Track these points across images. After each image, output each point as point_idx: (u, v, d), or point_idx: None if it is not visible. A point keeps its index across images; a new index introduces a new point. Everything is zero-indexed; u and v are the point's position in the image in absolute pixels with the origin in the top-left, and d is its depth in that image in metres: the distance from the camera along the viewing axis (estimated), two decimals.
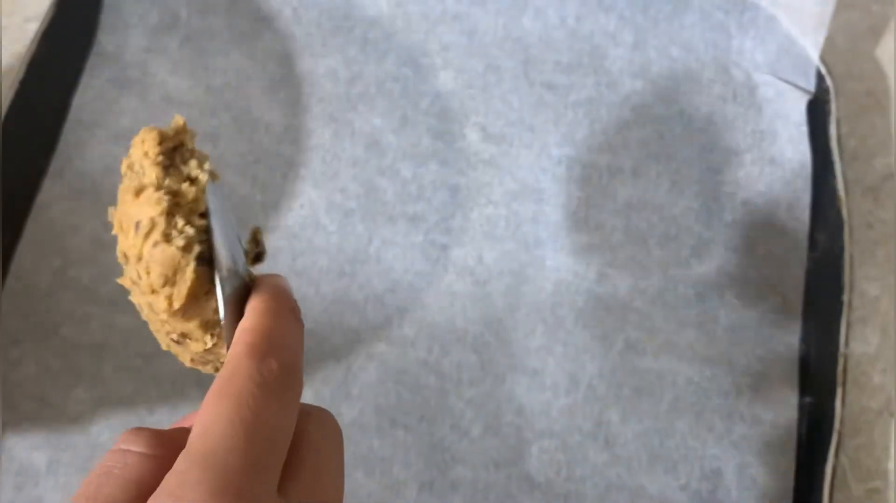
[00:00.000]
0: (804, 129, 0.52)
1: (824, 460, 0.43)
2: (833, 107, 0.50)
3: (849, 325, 0.45)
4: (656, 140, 0.53)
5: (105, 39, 0.56)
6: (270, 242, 0.51)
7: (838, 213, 0.48)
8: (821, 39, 0.52)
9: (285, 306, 0.28)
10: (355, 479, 0.46)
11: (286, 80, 0.55)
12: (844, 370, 0.44)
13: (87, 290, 0.50)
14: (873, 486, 0.47)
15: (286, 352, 0.27)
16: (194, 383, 0.48)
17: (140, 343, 0.49)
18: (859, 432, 0.48)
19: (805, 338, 0.47)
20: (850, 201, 0.49)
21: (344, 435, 0.46)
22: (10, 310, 0.50)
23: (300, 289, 0.51)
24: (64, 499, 0.46)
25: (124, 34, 0.56)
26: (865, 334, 0.49)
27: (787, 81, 0.53)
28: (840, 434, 0.43)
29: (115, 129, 0.54)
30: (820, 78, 0.52)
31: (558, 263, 0.51)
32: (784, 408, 0.46)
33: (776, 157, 0.52)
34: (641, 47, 0.55)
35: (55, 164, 0.53)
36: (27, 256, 0.51)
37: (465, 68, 0.55)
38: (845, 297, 0.46)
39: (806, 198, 0.51)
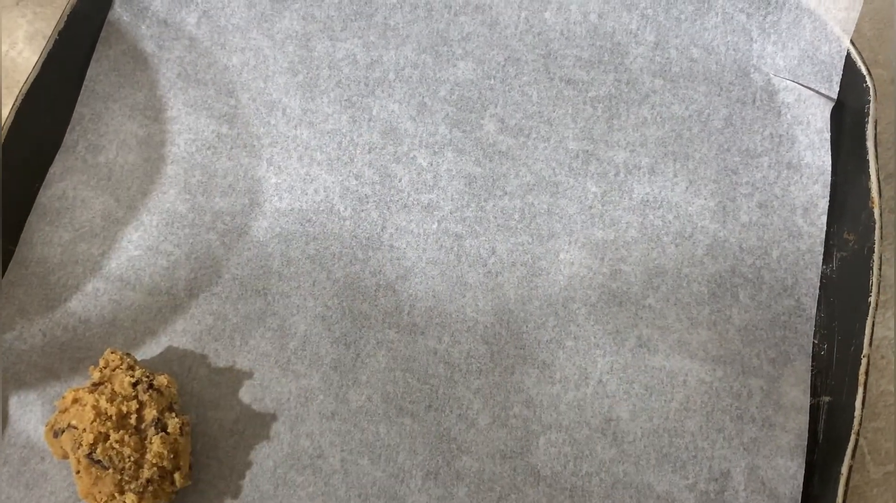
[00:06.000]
0: (826, 135, 0.51)
1: (840, 461, 0.42)
2: (871, 107, 0.50)
3: (874, 323, 0.45)
4: (674, 139, 0.53)
5: (121, 9, 0.55)
6: (285, 225, 0.51)
7: (870, 214, 0.48)
8: (851, 27, 0.51)
9: None
10: (360, 466, 0.46)
11: (304, 63, 0.55)
12: (867, 372, 0.44)
13: (96, 265, 0.50)
14: (891, 469, 0.48)
15: None
16: (201, 363, 0.48)
17: (149, 320, 0.49)
18: (878, 415, 0.48)
19: (827, 338, 0.47)
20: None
21: (351, 421, 0.46)
22: (18, 281, 0.49)
23: (312, 273, 0.50)
24: (69, 476, 0.46)
25: (140, 5, 0.55)
26: (886, 318, 0.49)
27: (808, 87, 0.53)
28: (860, 424, 0.43)
29: (131, 103, 0.54)
30: (857, 76, 0.51)
31: (572, 257, 0.50)
32: (795, 412, 0.46)
33: (793, 162, 0.52)
34: (663, 47, 0.55)
35: (69, 136, 0.53)
36: (37, 228, 0.51)
37: (485, 59, 0.55)
38: (872, 299, 0.45)
39: (823, 203, 0.51)
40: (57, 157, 0.52)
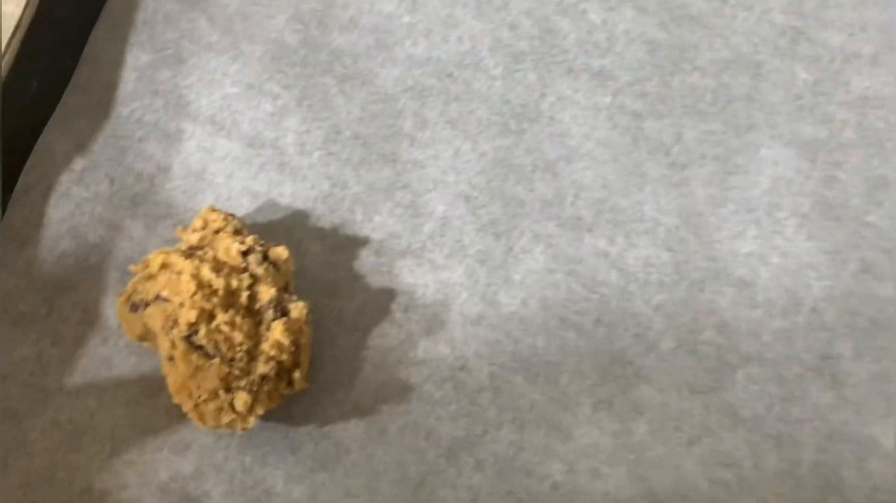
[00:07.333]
0: None
1: None
2: None
3: None
4: None
5: None
6: (420, 78, 0.41)
7: None
8: None
9: None
10: (514, 385, 0.38)
11: None
12: None
13: (181, 99, 0.40)
14: None
15: None
16: (315, 238, 0.38)
17: (249, 177, 0.39)
18: None
19: None
20: None
21: (502, 329, 0.38)
22: (79, 108, 0.39)
23: (454, 142, 0.41)
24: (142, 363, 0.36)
25: None
26: None
27: None
28: None
29: None
30: None
31: (776, 155, 0.42)
32: None
33: None
34: None
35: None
36: (105, 43, 0.40)
37: None
38: None
39: None
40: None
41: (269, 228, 0.39)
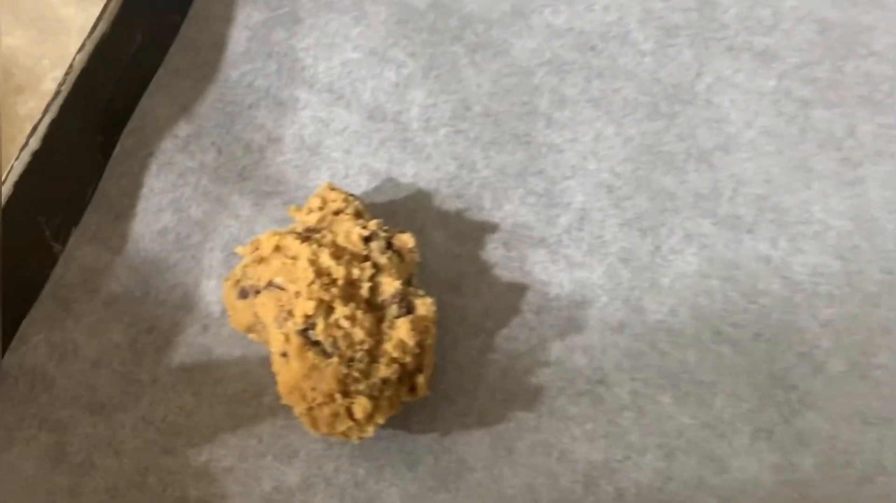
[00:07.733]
0: None
1: None
2: None
3: None
4: None
5: None
6: (559, 51, 0.37)
7: None
8: None
9: None
10: (660, 405, 0.34)
11: None
12: None
13: (297, 64, 0.37)
14: None
15: None
16: (438, 225, 0.34)
17: (368, 153, 0.35)
18: None
19: None
20: None
21: (646, 340, 0.34)
22: (184, 69, 0.35)
23: (595, 124, 0.37)
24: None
25: None
26: None
27: None
28: None
29: None
30: None
31: None
32: None
33: None
34: None
35: None
36: None
37: None
38: None
39: None
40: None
41: (389, 212, 0.35)
